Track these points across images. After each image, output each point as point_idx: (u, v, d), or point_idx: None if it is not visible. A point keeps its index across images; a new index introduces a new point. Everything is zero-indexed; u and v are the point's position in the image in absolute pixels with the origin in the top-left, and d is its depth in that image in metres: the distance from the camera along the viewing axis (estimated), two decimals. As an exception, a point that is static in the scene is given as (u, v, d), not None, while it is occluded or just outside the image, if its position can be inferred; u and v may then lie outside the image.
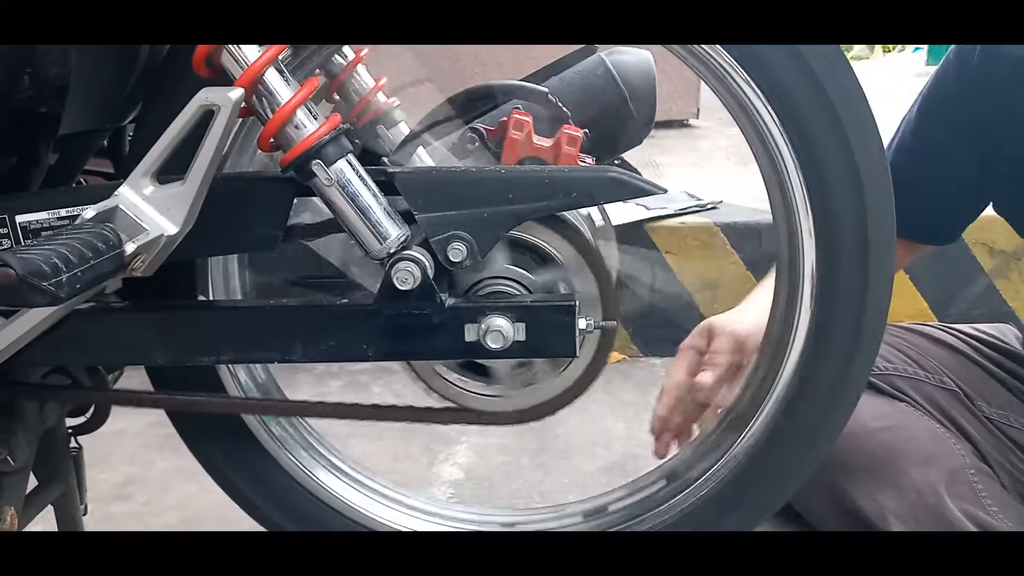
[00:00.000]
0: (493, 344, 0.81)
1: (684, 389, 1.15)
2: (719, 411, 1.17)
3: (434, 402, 0.89)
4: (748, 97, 0.83)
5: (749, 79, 0.82)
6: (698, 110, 3.41)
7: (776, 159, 0.85)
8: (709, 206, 2.15)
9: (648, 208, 2.09)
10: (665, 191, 0.82)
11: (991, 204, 1.29)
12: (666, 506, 0.97)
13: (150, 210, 0.71)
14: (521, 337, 0.81)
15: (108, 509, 1.40)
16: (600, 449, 1.63)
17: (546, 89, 1.01)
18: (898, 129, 1.29)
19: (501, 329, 0.80)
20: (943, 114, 1.24)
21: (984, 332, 1.36)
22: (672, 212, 2.09)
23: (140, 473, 1.51)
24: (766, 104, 0.83)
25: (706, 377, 1.11)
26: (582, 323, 0.83)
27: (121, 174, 1.02)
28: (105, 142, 1.00)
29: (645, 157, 2.71)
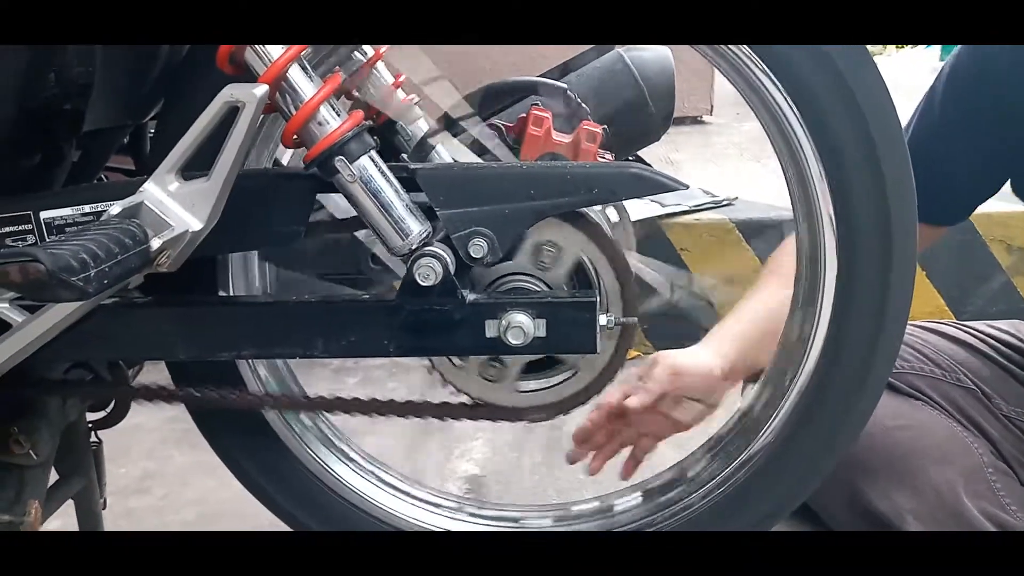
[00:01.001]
0: (514, 340, 0.81)
1: (614, 410, 1.17)
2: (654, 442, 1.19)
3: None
4: (768, 91, 0.83)
5: (769, 73, 0.82)
6: (712, 106, 3.40)
7: (798, 156, 0.84)
8: (724, 202, 2.14)
9: (663, 205, 2.09)
10: (687, 187, 0.82)
11: (1009, 184, 1.26)
12: (681, 505, 0.98)
13: (175, 206, 0.72)
14: (542, 333, 0.81)
15: (127, 503, 1.41)
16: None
17: (565, 85, 1.02)
18: (916, 110, 1.27)
19: (522, 325, 0.81)
20: (961, 92, 1.21)
21: (999, 329, 1.36)
22: (687, 209, 2.08)
23: (158, 468, 1.52)
24: (787, 98, 0.83)
25: (632, 400, 1.12)
26: (603, 319, 0.83)
27: (142, 171, 1.02)
28: (126, 139, 1.01)
29: (659, 153, 2.71)
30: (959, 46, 1.25)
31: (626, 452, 1.21)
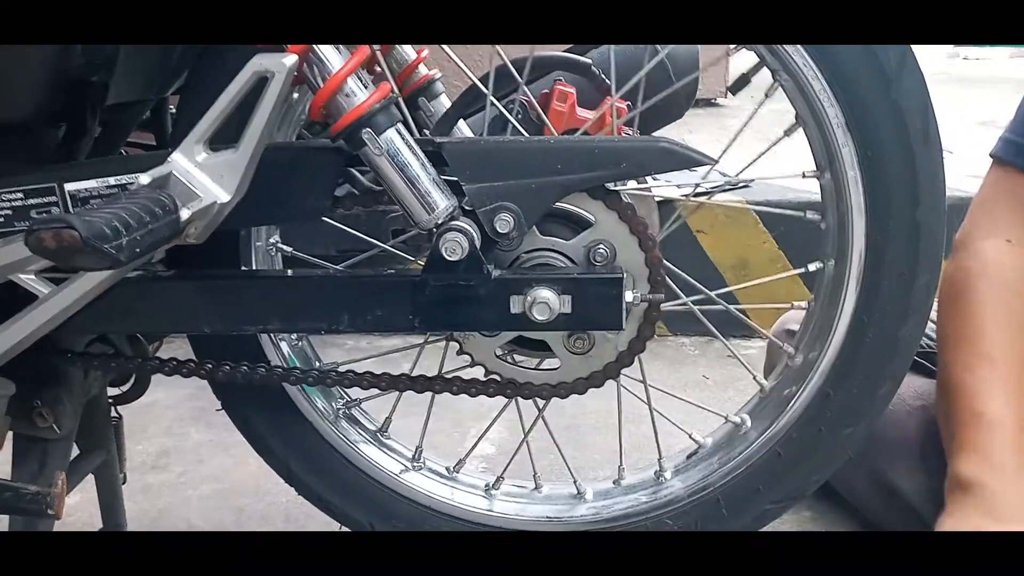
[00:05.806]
0: (539, 316, 0.81)
1: None
2: None
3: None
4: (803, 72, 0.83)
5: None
6: (726, 89, 3.38)
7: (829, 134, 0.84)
8: (741, 184, 2.13)
9: (679, 186, 2.07)
10: (716, 162, 0.82)
11: None
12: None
13: (203, 177, 0.71)
14: (567, 309, 0.81)
15: (145, 479, 1.41)
16: (630, 426, 1.62)
17: (589, 61, 1.01)
18: None
19: (547, 301, 0.80)
20: None
21: None
22: (704, 190, 2.07)
23: (176, 445, 1.52)
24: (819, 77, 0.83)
25: None
26: (629, 296, 0.82)
27: (162, 145, 1.02)
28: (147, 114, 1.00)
29: (674, 135, 2.69)
30: None
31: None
